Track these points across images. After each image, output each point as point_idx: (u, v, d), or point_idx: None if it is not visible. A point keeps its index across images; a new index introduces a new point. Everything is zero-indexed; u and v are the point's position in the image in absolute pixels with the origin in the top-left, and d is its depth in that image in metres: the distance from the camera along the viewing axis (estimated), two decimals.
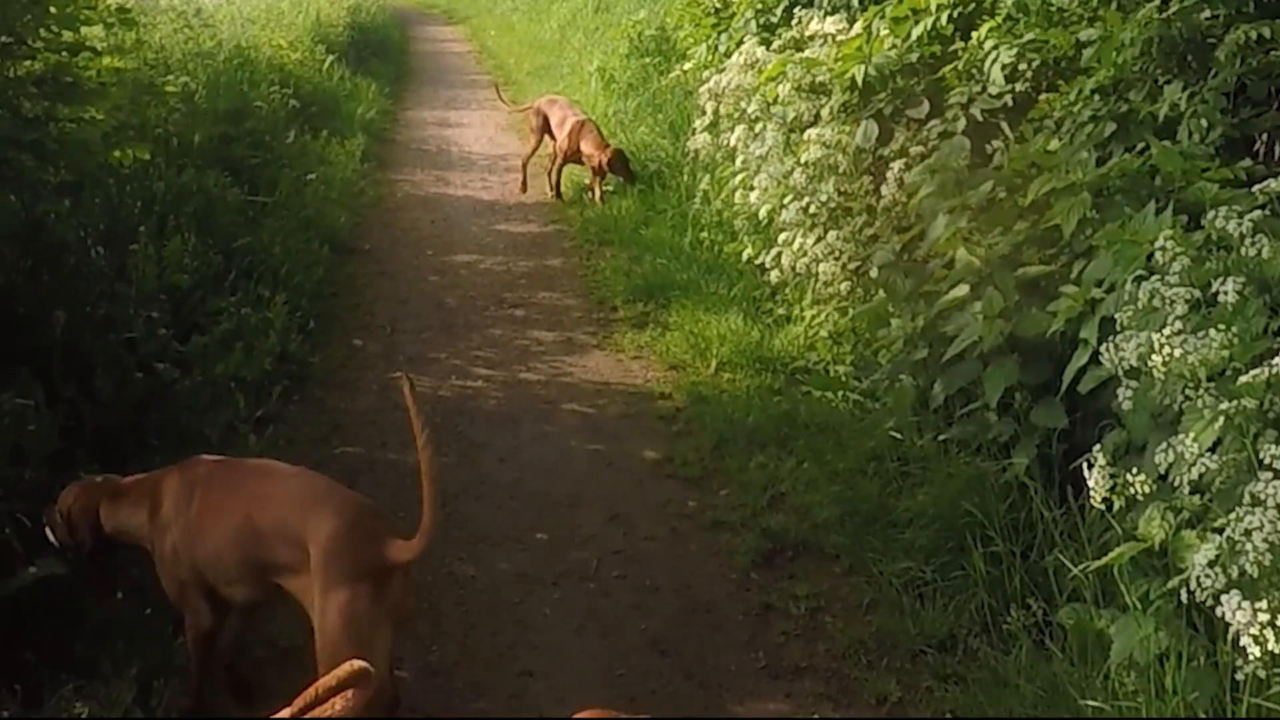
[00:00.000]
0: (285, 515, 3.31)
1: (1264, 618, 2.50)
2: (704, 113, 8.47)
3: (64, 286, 5.18)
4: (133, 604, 3.86)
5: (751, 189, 7.34)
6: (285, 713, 2.28)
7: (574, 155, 9.75)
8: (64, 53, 5.47)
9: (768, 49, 7.97)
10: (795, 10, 8.30)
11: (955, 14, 6.35)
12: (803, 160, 6.70)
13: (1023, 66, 5.67)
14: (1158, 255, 3.50)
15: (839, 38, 7.16)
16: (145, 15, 8.98)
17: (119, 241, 5.91)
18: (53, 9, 5.30)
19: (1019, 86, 5.68)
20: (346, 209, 9.26)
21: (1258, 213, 3.42)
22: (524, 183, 10.37)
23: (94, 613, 3.78)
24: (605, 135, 9.90)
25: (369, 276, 8.10)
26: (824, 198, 6.55)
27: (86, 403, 4.62)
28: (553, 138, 10.04)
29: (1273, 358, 2.95)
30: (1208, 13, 4.78)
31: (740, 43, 8.52)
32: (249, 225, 7.50)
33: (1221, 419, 2.97)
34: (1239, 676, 2.78)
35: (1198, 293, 3.31)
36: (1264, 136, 4.73)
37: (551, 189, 10.00)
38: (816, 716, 3.74)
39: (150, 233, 6.07)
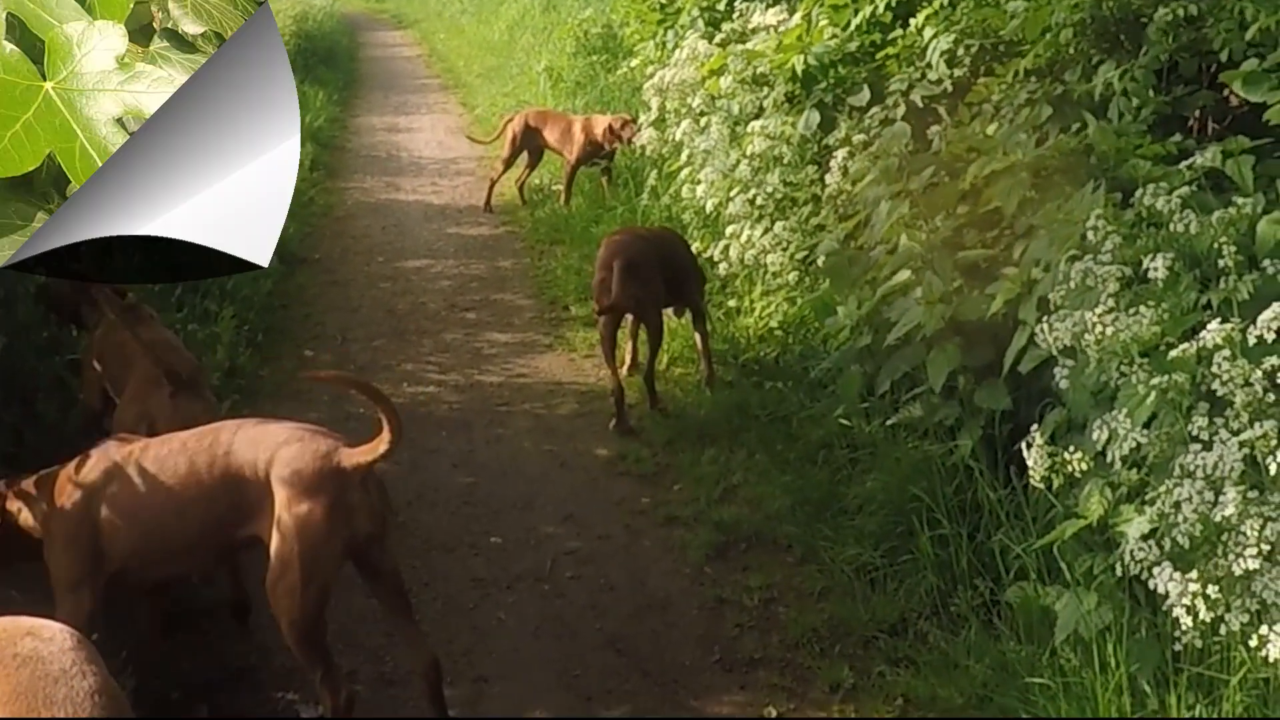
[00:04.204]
0: (252, 452, 3.33)
1: (1194, 588, 2.53)
2: (650, 108, 8.47)
3: (3, 308, 5.10)
4: None
5: (698, 183, 7.36)
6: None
7: (594, 149, 9.19)
8: None
9: (711, 43, 7.98)
10: (738, 3, 8.31)
11: (893, 1, 6.38)
12: (748, 152, 6.72)
13: (961, 52, 5.70)
14: (1089, 234, 3.53)
15: (780, 28, 7.17)
16: None
17: None
18: None
19: (957, 72, 5.71)
20: (295, 219, 9.14)
21: (1186, 189, 3.46)
22: (489, 200, 9.86)
23: None
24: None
25: (319, 286, 8.04)
26: (770, 189, 6.59)
27: (29, 428, 4.56)
28: (532, 153, 9.70)
29: (1202, 331, 2.97)
30: None
31: (686, 38, 8.53)
32: None
33: (1154, 394, 2.99)
34: (1179, 647, 2.80)
35: (1129, 270, 3.34)
36: (1197, 113, 4.78)
37: (565, 196, 9.38)
38: (771, 713, 3.74)
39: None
